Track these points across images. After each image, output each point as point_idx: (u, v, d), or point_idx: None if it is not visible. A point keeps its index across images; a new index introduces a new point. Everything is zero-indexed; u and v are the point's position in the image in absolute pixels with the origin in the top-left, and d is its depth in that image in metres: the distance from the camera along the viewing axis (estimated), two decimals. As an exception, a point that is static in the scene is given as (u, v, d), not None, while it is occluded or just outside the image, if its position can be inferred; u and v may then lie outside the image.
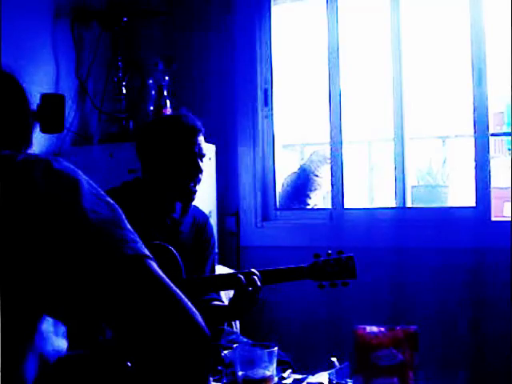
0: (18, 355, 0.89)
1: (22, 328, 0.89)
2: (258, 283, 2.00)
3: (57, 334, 0.99)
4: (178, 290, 0.88)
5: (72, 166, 0.94)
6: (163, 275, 0.88)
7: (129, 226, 0.92)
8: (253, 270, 2.03)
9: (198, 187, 2.16)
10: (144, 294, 0.86)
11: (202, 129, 2.16)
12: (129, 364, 1.11)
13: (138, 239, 0.90)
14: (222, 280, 2.14)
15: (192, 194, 2.14)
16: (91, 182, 0.94)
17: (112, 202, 0.93)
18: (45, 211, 0.86)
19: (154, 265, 0.89)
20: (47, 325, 0.95)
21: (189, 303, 0.88)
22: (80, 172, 0.94)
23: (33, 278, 0.86)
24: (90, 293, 0.86)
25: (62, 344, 1.01)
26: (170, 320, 0.85)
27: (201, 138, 2.15)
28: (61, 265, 0.85)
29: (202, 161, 2.15)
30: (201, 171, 2.14)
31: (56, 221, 0.86)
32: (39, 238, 0.85)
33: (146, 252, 0.89)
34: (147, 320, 0.85)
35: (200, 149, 2.14)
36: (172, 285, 0.88)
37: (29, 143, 1.06)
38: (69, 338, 1.04)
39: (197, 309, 0.90)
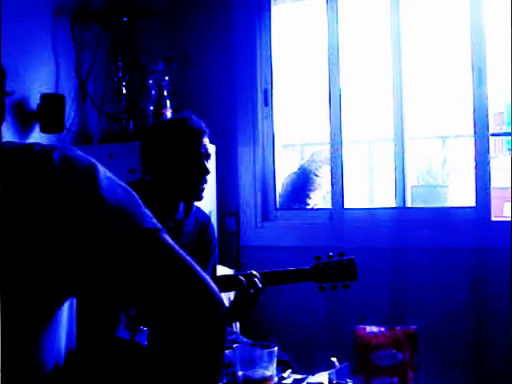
0: (36, 346, 0.92)
1: (39, 318, 0.92)
2: (259, 285, 2.00)
3: (70, 328, 1.02)
4: (191, 260, 0.93)
5: (86, 155, 0.99)
6: (178, 246, 0.95)
7: (143, 206, 0.98)
8: (254, 272, 2.03)
9: (205, 186, 2.16)
10: (161, 263, 0.92)
11: (207, 130, 2.17)
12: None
13: (152, 215, 0.97)
14: (223, 281, 2.14)
15: (200, 191, 2.15)
16: (105, 168, 0.99)
17: (126, 185, 1.00)
18: (65, 194, 0.91)
19: (168, 238, 0.96)
20: (62, 317, 0.98)
21: (201, 271, 0.93)
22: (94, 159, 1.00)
23: (54, 260, 0.89)
24: (111, 268, 0.91)
25: (71, 340, 1.04)
26: (186, 286, 0.91)
27: (206, 140, 2.16)
28: (82, 244, 0.89)
29: (207, 161, 2.16)
30: (207, 172, 2.14)
31: (77, 202, 0.91)
32: (60, 220, 0.89)
33: (161, 226, 0.96)
34: (163, 287, 0.91)
35: (206, 149, 2.15)
36: (186, 255, 0.94)
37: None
38: (79, 331, 1.05)
39: None
